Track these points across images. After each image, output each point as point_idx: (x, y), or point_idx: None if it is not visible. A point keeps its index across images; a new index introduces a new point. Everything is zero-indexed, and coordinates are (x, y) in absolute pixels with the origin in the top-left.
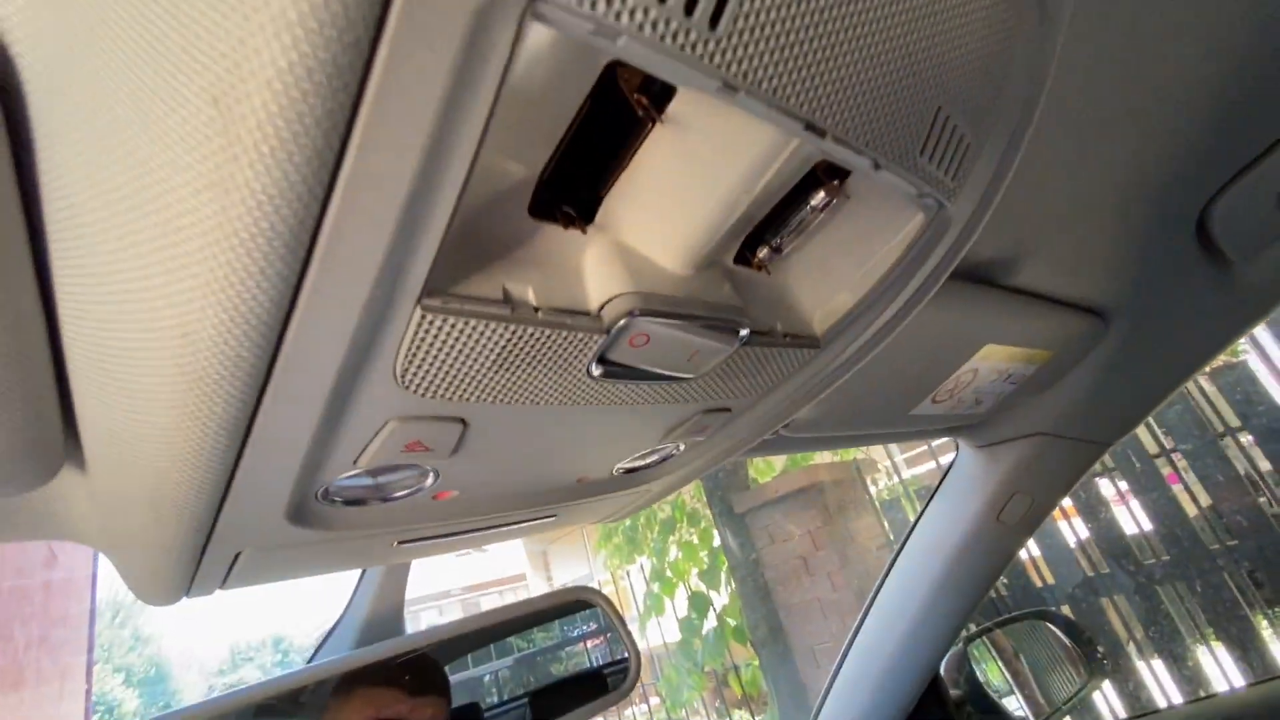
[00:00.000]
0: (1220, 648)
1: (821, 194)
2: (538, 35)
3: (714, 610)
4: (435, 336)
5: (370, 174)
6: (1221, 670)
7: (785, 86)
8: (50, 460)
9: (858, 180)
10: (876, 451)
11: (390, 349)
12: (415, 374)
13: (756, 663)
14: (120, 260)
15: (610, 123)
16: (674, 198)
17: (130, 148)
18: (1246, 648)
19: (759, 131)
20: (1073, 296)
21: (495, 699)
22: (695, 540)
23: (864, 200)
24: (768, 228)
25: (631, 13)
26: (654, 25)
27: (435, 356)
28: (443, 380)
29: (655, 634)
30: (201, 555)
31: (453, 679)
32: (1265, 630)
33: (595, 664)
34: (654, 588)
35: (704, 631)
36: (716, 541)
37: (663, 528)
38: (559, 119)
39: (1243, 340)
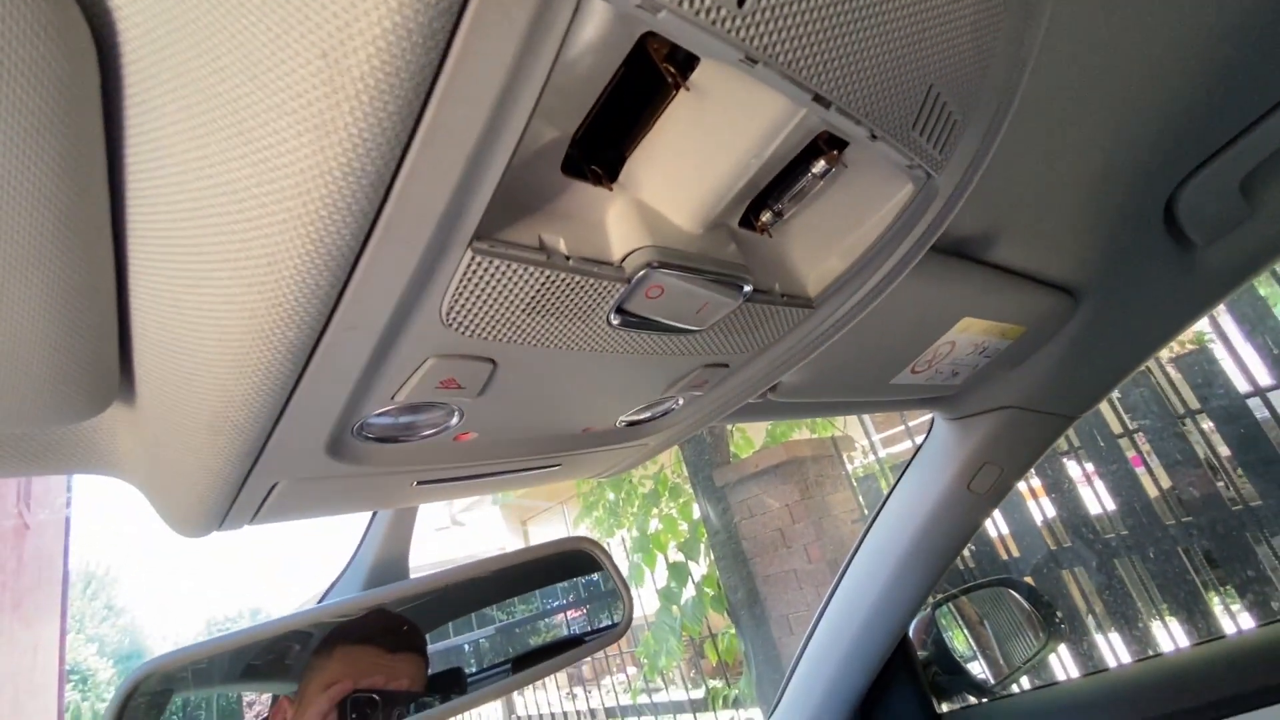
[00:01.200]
0: (1170, 616)
1: (822, 163)
2: (589, 7)
3: (692, 580)
4: (480, 278)
5: (446, 124)
6: (1170, 636)
7: (799, 60)
8: (105, 392)
9: (855, 151)
10: (854, 430)
11: (440, 288)
12: (458, 313)
13: (733, 630)
14: (213, 196)
15: (638, 89)
16: (690, 161)
17: (235, 96)
18: (1194, 615)
19: (771, 101)
20: (1045, 274)
21: (476, 667)
22: (675, 514)
23: (859, 170)
24: (770, 193)
25: None
26: (692, 2)
27: (477, 297)
28: (481, 320)
29: (636, 605)
30: (242, 485)
31: (436, 647)
32: (1216, 605)
33: (575, 633)
34: (635, 559)
35: (683, 600)
36: (697, 514)
37: (644, 501)
38: (594, 84)
39: (1208, 328)
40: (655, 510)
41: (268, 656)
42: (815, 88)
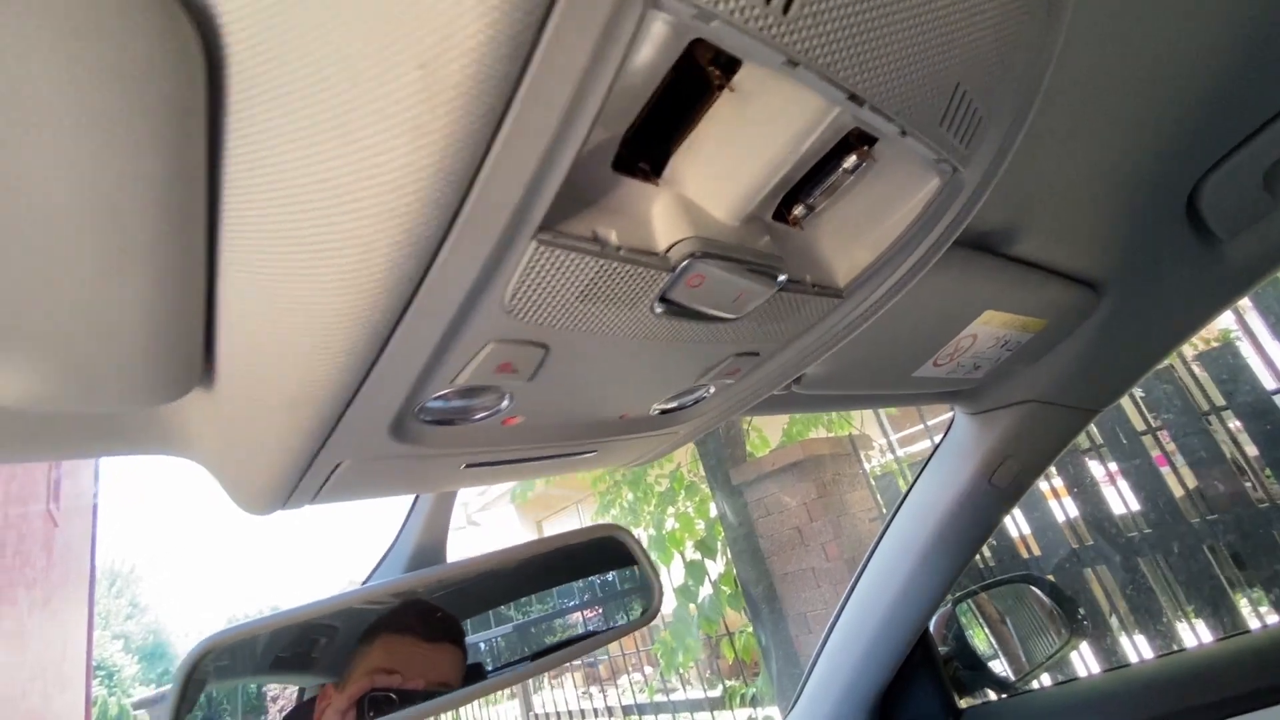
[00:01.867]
0: (1195, 615)
1: (853, 158)
2: (652, 20)
3: (709, 578)
4: (541, 267)
5: (524, 127)
6: (1195, 634)
7: (837, 62)
8: (189, 376)
9: (884, 146)
10: (872, 429)
11: (505, 276)
12: (520, 300)
13: (750, 629)
14: (314, 194)
15: (683, 89)
16: (730, 156)
17: (338, 102)
18: (1219, 612)
19: (808, 100)
20: (1067, 267)
21: (493, 665)
22: (691, 512)
23: (887, 164)
24: (803, 187)
25: (725, 2)
26: (741, 11)
27: (537, 285)
28: (539, 307)
29: None
30: (309, 465)
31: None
32: (1243, 603)
33: (603, 623)
34: (652, 557)
35: (700, 599)
36: (713, 512)
37: (660, 499)
38: (646, 87)
39: (1234, 325)
40: (671, 509)
41: (309, 644)
42: (851, 87)
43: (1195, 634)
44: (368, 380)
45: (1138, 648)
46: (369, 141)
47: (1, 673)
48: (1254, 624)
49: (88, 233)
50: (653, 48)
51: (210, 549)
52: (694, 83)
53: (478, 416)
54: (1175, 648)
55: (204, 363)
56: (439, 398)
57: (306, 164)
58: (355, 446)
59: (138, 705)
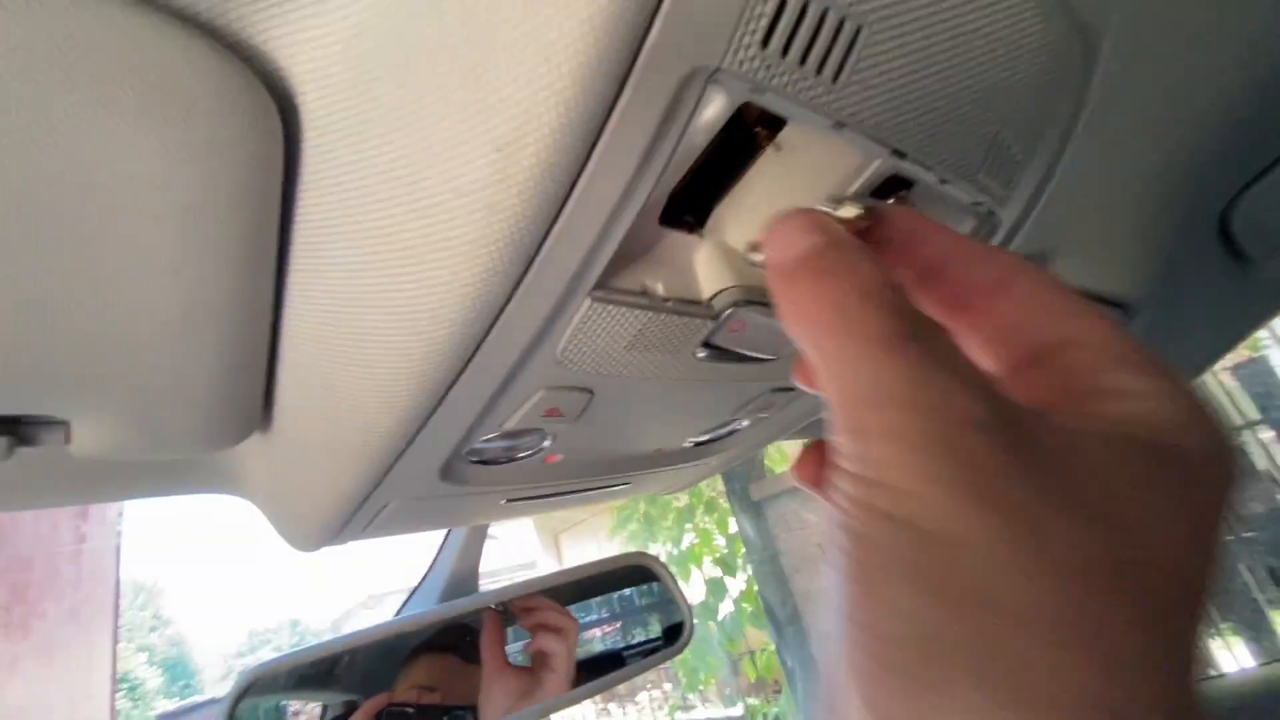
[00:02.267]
0: (1233, 636)
1: (891, 202)
2: (711, 98)
3: (730, 596)
4: (593, 322)
5: (589, 200)
6: (1233, 657)
7: (883, 123)
8: (249, 423)
9: (921, 189)
10: None
11: (560, 332)
12: (571, 352)
13: (772, 647)
14: (388, 259)
15: (730, 144)
16: (772, 208)
17: (413, 179)
18: (1260, 635)
19: (850, 155)
20: (1098, 290)
21: None
22: (711, 527)
23: (925, 207)
24: None
25: (779, 76)
26: (794, 84)
27: (589, 338)
28: (589, 357)
29: None
30: (361, 505)
31: None
32: None
33: (611, 647)
34: (681, 585)
35: (720, 616)
36: (733, 528)
37: (678, 515)
38: (696, 149)
39: (1265, 334)
40: (689, 525)
41: (331, 662)
42: (895, 144)
43: (1234, 658)
44: (423, 430)
45: None
46: (442, 217)
47: (31, 685)
48: None
49: (166, 292)
50: (706, 115)
51: (232, 562)
52: (740, 138)
53: (520, 456)
54: (1214, 673)
55: (264, 408)
56: (488, 439)
57: (381, 234)
58: (405, 488)
59: (161, 718)
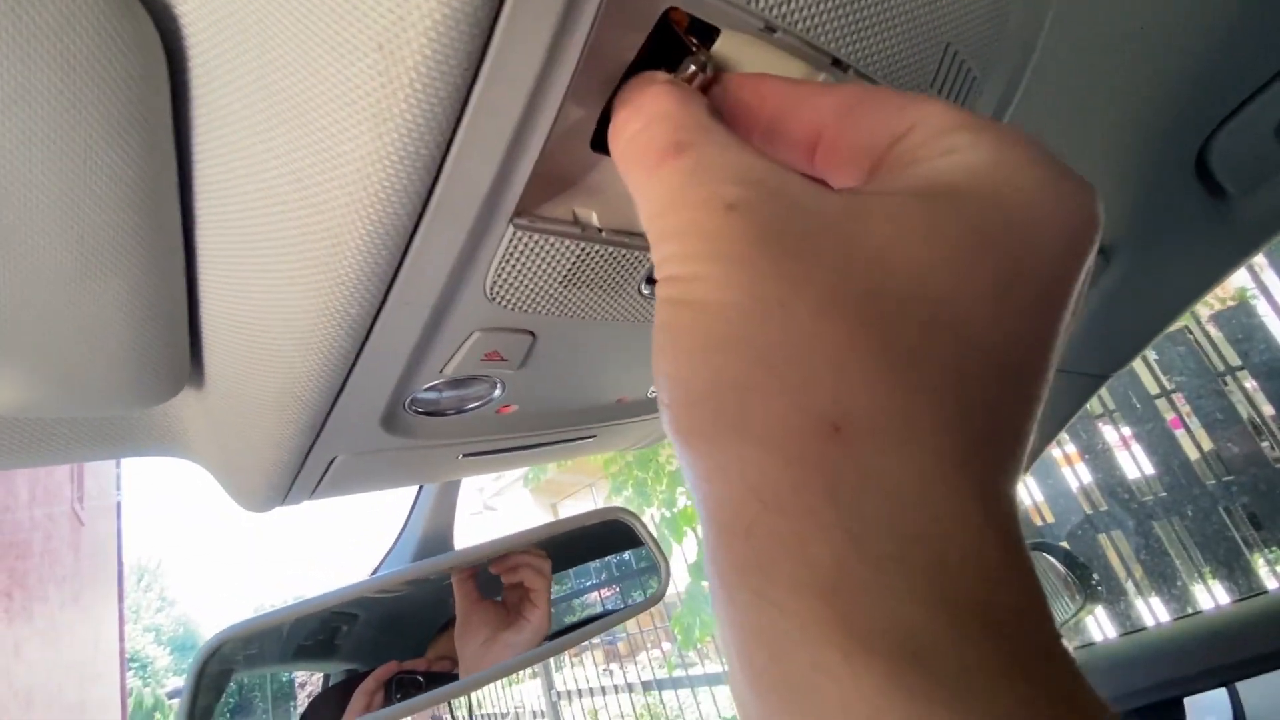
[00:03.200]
0: (1211, 577)
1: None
2: None
3: None
4: (520, 253)
5: (489, 107)
6: (1211, 596)
7: (817, 25)
8: (178, 377)
9: None
10: None
11: (484, 264)
12: (501, 287)
13: None
14: (280, 185)
15: (660, 62)
16: None
17: (297, 90)
18: (1235, 573)
19: (790, 67)
20: None
21: None
22: None
23: None
24: None
25: None
26: None
27: (518, 271)
28: (522, 293)
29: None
30: (304, 460)
31: None
32: (1260, 564)
33: (607, 609)
34: (665, 534)
35: None
36: None
37: (671, 480)
38: (620, 61)
39: (1251, 283)
40: (682, 488)
41: (330, 631)
42: (834, 52)
43: (1212, 596)
44: (352, 374)
45: (1154, 612)
46: (331, 130)
47: (38, 668)
48: (1271, 584)
49: (58, 238)
50: (624, 18)
51: (235, 540)
52: (671, 53)
53: (470, 406)
54: (1191, 611)
55: (193, 362)
56: (429, 389)
57: (271, 157)
58: (348, 441)
59: (171, 695)
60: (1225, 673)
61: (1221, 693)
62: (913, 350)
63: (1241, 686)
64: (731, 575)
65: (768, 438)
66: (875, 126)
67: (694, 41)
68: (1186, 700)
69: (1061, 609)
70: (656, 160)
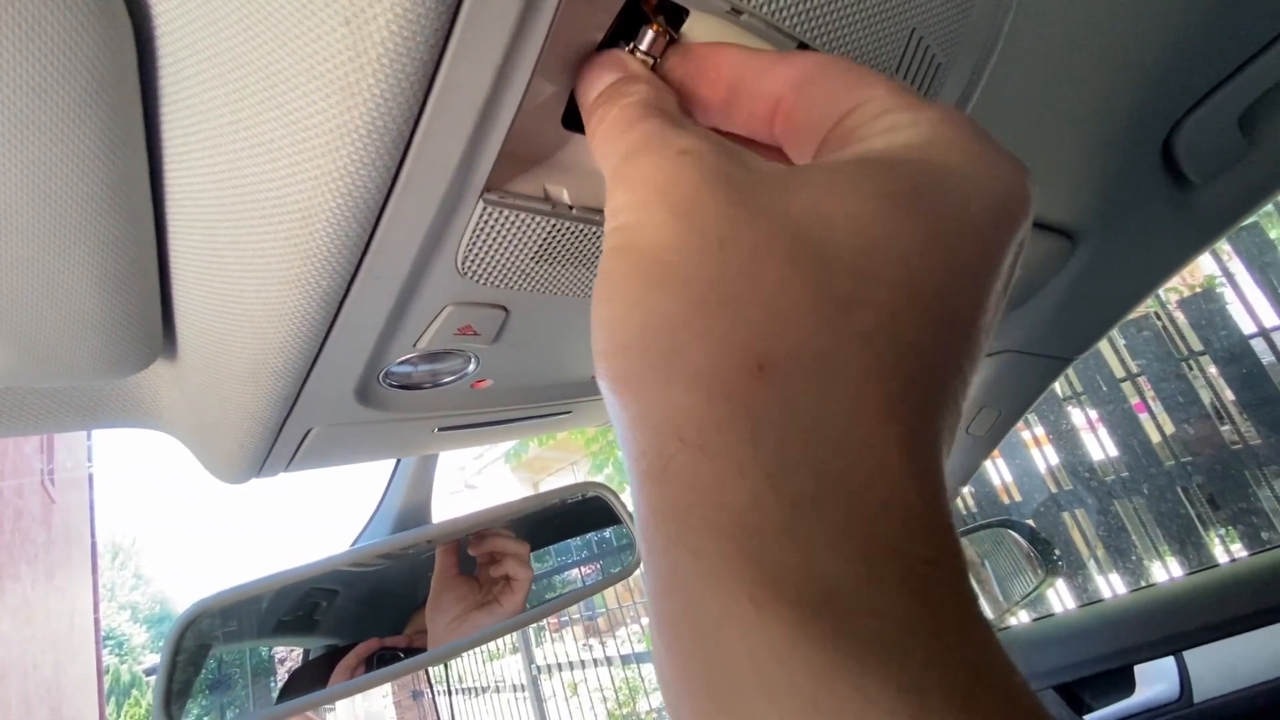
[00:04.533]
0: (1169, 555)
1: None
2: None
3: None
4: (491, 228)
5: (457, 82)
6: (1168, 571)
7: (783, 9)
8: (150, 347)
9: None
10: None
11: (455, 238)
12: (473, 262)
13: None
14: (250, 157)
15: (630, 42)
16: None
17: (266, 62)
18: (1187, 548)
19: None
20: (1042, 217)
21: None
22: None
23: None
24: None
25: None
26: None
27: (489, 246)
28: (494, 268)
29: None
30: (279, 431)
31: None
32: (1215, 543)
33: (591, 579)
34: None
35: None
36: None
37: None
38: (589, 39)
39: (1218, 272)
40: None
41: (310, 607)
42: (799, 35)
43: (1168, 571)
44: (326, 346)
45: (1112, 585)
46: (299, 103)
47: (11, 646)
48: (1224, 560)
49: (24, 203)
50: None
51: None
52: (639, 35)
53: (445, 381)
54: (1146, 584)
55: (166, 333)
56: (404, 363)
57: (240, 128)
58: (323, 413)
59: (149, 672)
60: (1174, 642)
61: (1169, 661)
62: (843, 296)
63: (1189, 655)
64: (650, 520)
65: (694, 376)
66: (826, 102)
67: (662, 23)
68: (1136, 668)
69: (1024, 582)
70: (625, 125)
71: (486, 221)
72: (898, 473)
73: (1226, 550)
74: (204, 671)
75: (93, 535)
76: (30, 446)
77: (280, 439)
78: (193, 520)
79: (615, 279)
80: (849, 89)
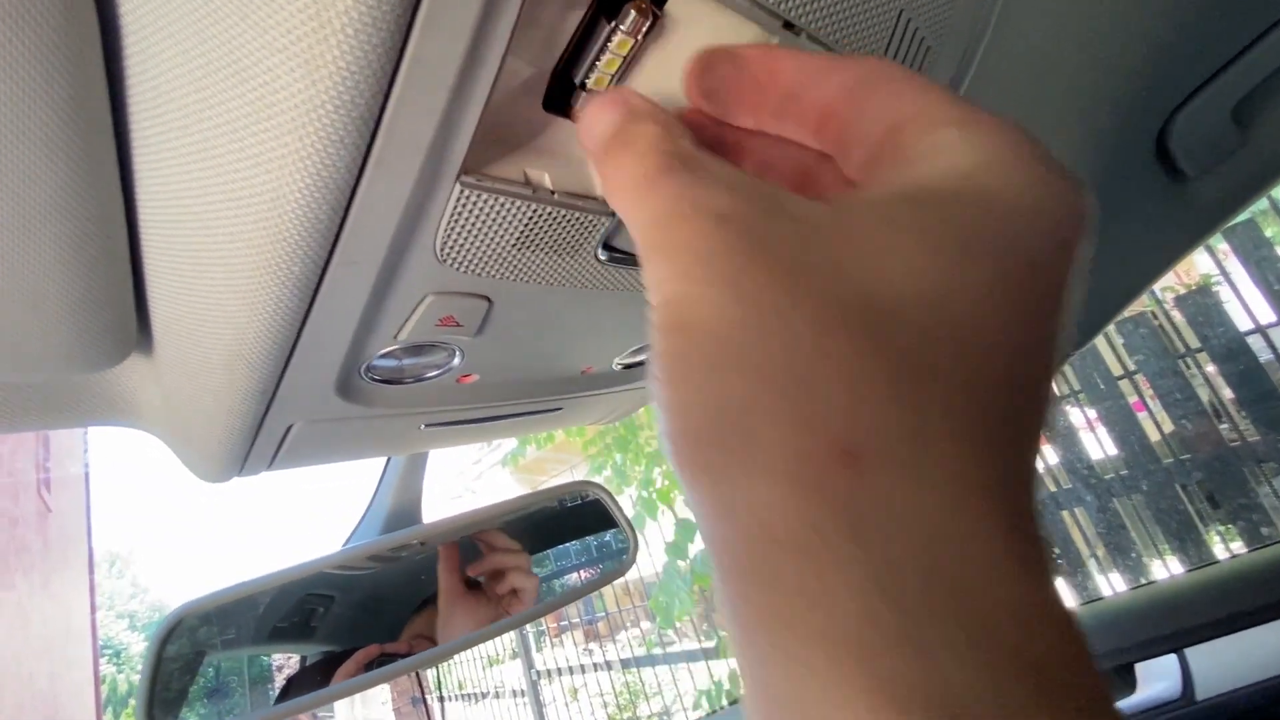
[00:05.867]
0: (1169, 553)
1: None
2: None
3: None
4: (470, 212)
5: (427, 57)
6: (1167, 568)
7: None
8: (124, 340)
9: None
10: None
11: (433, 223)
12: (452, 249)
13: None
14: (217, 137)
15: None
16: (668, 92)
17: (229, 36)
18: (1187, 545)
19: (742, 30)
20: None
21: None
22: None
23: None
24: None
25: None
26: None
27: (469, 232)
28: (474, 256)
29: (645, 562)
30: (259, 427)
31: None
32: (1215, 540)
33: (586, 579)
34: (642, 512)
35: (692, 555)
36: None
37: (649, 460)
38: (569, 17)
39: (1216, 271)
40: (659, 469)
41: (306, 613)
42: (784, 14)
43: (1168, 569)
44: (302, 337)
45: (1112, 584)
46: (264, 79)
47: (6, 656)
48: (1224, 557)
49: None
50: None
51: (209, 525)
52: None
53: (430, 375)
54: (1146, 582)
55: (140, 328)
56: (385, 356)
57: (206, 108)
58: (303, 408)
59: None
60: (1175, 639)
61: (1172, 658)
62: (917, 363)
63: (1190, 652)
64: (749, 625)
65: (778, 468)
66: (877, 111)
67: (646, 6)
68: (1138, 666)
69: None
70: (646, 184)
71: (465, 205)
72: (1008, 562)
73: (1226, 547)
74: (200, 679)
75: (89, 543)
76: (25, 453)
77: (260, 436)
78: (191, 528)
79: (673, 360)
80: (900, 99)
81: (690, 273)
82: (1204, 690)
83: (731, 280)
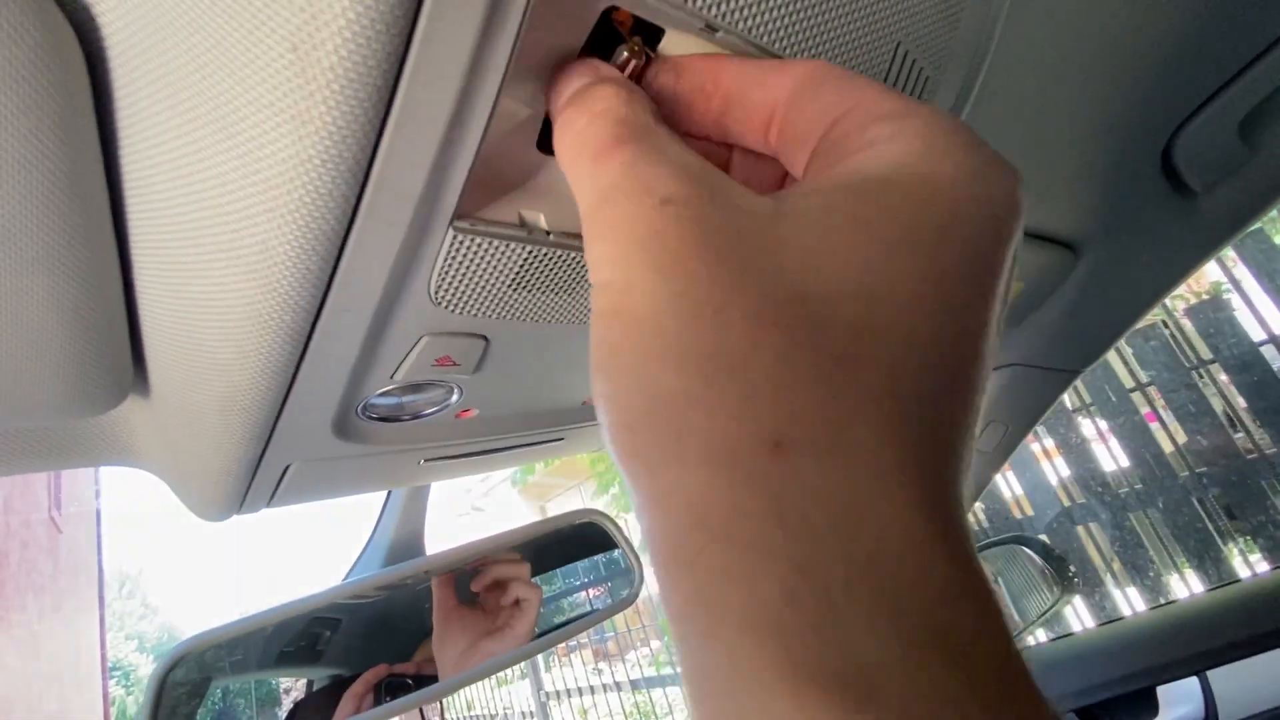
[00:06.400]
0: (1186, 567)
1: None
2: None
3: None
4: (464, 256)
5: (415, 109)
6: (1186, 584)
7: (760, 25)
8: (121, 384)
9: None
10: None
11: (426, 268)
12: (446, 291)
13: None
14: (206, 190)
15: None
16: None
17: (216, 93)
18: (1206, 563)
19: None
20: (1044, 229)
21: None
22: None
23: None
24: None
25: None
26: None
27: (463, 275)
28: (469, 297)
29: (654, 580)
30: (256, 467)
31: None
32: (1235, 555)
33: (588, 609)
34: (631, 540)
35: None
36: None
37: None
38: (561, 60)
39: (1226, 281)
40: None
41: (312, 638)
42: (779, 52)
43: (1187, 585)
44: (296, 382)
45: (1130, 602)
46: (251, 134)
47: (17, 679)
48: (1244, 573)
49: None
50: (560, 18)
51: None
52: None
53: (427, 412)
54: (1165, 600)
55: (137, 370)
56: (382, 395)
57: (196, 161)
58: (300, 448)
59: None
60: (1197, 661)
61: (1194, 681)
62: (845, 354)
63: (1213, 675)
64: (679, 612)
65: (709, 458)
66: (817, 110)
67: (638, 43)
68: (1159, 689)
69: (1039, 600)
70: (596, 154)
71: (458, 250)
72: (926, 542)
73: (1247, 563)
74: (207, 704)
75: (100, 565)
76: (38, 480)
77: (258, 475)
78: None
79: (611, 350)
80: (839, 96)
81: (629, 257)
82: (1227, 714)
83: (668, 269)
